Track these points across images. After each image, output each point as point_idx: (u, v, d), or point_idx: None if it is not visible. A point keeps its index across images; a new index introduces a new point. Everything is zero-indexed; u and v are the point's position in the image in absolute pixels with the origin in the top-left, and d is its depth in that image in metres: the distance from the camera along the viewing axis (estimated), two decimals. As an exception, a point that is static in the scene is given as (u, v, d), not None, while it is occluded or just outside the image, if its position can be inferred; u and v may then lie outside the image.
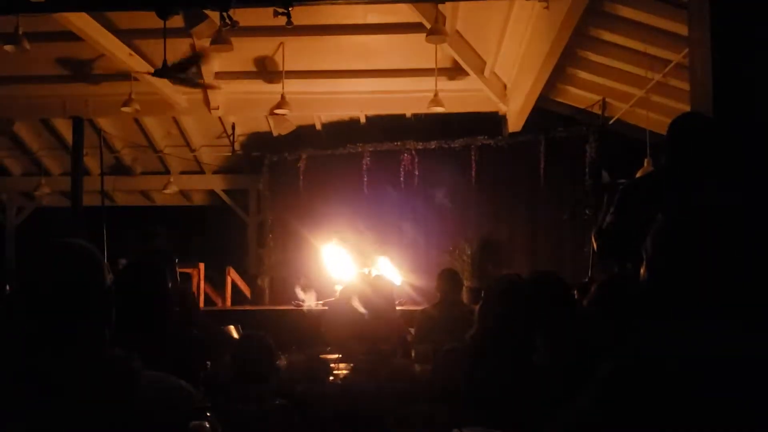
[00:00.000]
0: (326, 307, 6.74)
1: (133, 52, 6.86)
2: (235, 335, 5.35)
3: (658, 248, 1.36)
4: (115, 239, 7.03)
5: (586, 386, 1.32)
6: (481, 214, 8.22)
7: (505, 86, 7.50)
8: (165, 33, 5.37)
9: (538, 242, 7.98)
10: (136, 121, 9.23)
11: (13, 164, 10.67)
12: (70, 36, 6.31)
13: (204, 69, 6.95)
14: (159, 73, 5.78)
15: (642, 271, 1.40)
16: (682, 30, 4.14)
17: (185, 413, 1.35)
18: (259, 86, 7.72)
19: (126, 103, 7.27)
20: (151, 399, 1.32)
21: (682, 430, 1.20)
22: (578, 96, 7.22)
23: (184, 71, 5.72)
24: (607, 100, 7.00)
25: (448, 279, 4.86)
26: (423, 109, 7.33)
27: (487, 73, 7.13)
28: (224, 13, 5.04)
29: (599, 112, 7.14)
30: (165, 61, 5.70)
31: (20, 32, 5.66)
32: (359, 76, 7.66)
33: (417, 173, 8.48)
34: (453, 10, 5.86)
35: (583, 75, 6.75)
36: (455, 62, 7.10)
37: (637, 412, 1.23)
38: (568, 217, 7.38)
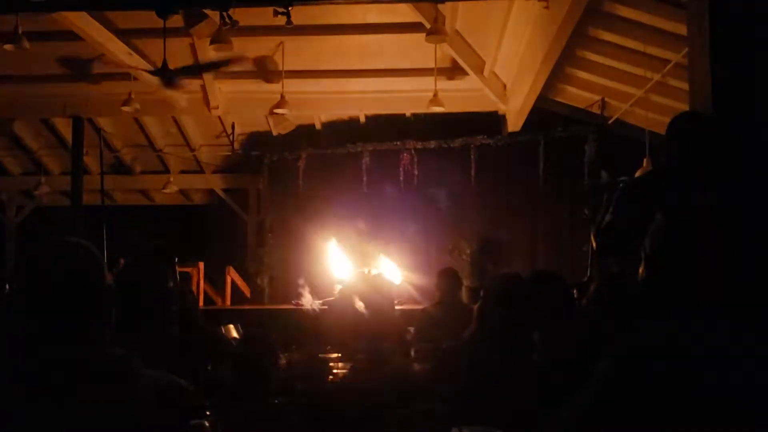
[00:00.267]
0: (326, 307, 6.74)
1: (132, 52, 6.86)
2: (235, 334, 5.36)
3: (656, 248, 1.36)
4: (115, 238, 7.04)
5: (585, 385, 1.32)
6: (481, 214, 8.21)
7: (504, 86, 7.50)
8: (165, 32, 5.37)
9: (538, 241, 7.98)
10: (136, 120, 9.23)
11: (13, 163, 10.67)
12: (70, 35, 6.31)
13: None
14: (158, 72, 5.79)
15: (640, 270, 1.40)
16: (682, 30, 4.14)
17: (185, 412, 1.35)
18: (258, 86, 7.72)
19: (126, 103, 7.27)
20: (151, 398, 1.32)
21: (680, 427, 1.21)
22: (577, 96, 7.22)
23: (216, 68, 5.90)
24: (606, 99, 7.00)
25: (448, 278, 4.86)
26: (423, 108, 7.33)
27: (486, 72, 7.13)
28: (224, 13, 5.04)
29: (598, 112, 7.14)
30: (165, 60, 5.71)
31: (20, 31, 5.66)
32: (359, 75, 7.66)
33: (416, 173, 8.47)
34: (452, 9, 5.86)
35: (583, 75, 6.75)
36: (455, 62, 7.10)
37: (635, 410, 1.23)
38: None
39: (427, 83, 7.06)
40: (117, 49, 6.72)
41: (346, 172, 8.69)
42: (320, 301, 7.05)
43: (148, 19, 5.10)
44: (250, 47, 6.95)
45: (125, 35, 6.67)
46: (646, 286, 1.38)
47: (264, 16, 5.34)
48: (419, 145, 8.50)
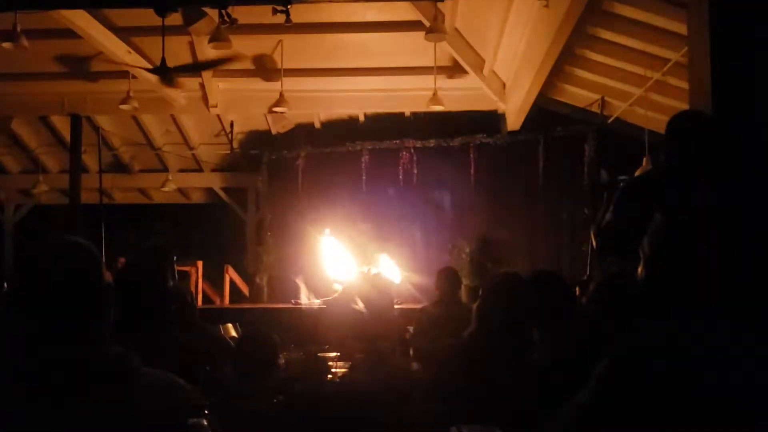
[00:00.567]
0: (325, 306, 6.74)
1: (131, 50, 6.85)
2: (234, 334, 5.36)
3: (655, 247, 1.36)
4: (114, 237, 7.03)
5: (585, 384, 1.32)
6: (480, 213, 8.22)
7: (504, 85, 7.50)
8: (164, 30, 5.36)
9: (537, 241, 7.99)
10: (135, 118, 9.22)
11: (11, 162, 10.66)
12: (69, 33, 6.30)
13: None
14: (157, 71, 5.78)
15: (639, 270, 1.40)
16: (682, 29, 4.14)
17: (183, 411, 1.35)
18: (257, 84, 7.71)
19: (124, 101, 7.26)
20: (149, 397, 1.32)
21: (680, 427, 1.21)
22: (577, 95, 7.22)
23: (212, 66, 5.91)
24: (606, 98, 7.00)
25: (447, 278, 4.86)
26: (422, 107, 7.33)
27: (486, 71, 7.13)
28: (223, 11, 5.03)
29: (598, 111, 7.14)
30: (163, 58, 5.70)
31: (18, 29, 5.65)
32: (358, 74, 7.65)
33: (416, 172, 8.48)
34: (452, 8, 5.85)
35: (582, 74, 6.75)
36: (454, 60, 7.10)
37: (635, 409, 1.23)
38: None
39: (426, 82, 7.06)
40: (116, 47, 6.71)
41: (345, 171, 8.69)
42: (319, 300, 7.07)
43: (147, 17, 5.09)
44: (249, 45, 6.95)
45: (124, 33, 6.66)
46: (646, 286, 1.38)
47: (263, 14, 5.33)
48: (419, 144, 8.50)
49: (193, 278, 8.56)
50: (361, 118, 8.99)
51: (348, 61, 7.46)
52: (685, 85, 4.25)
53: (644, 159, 5.57)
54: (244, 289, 9.33)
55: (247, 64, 7.36)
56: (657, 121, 5.92)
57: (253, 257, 9.66)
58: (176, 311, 2.77)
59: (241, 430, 2.43)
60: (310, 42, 7.03)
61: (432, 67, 6.86)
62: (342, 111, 8.98)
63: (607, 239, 2.72)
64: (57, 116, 9.12)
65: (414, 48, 6.83)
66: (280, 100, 7.21)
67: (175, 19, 5.22)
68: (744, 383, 1.21)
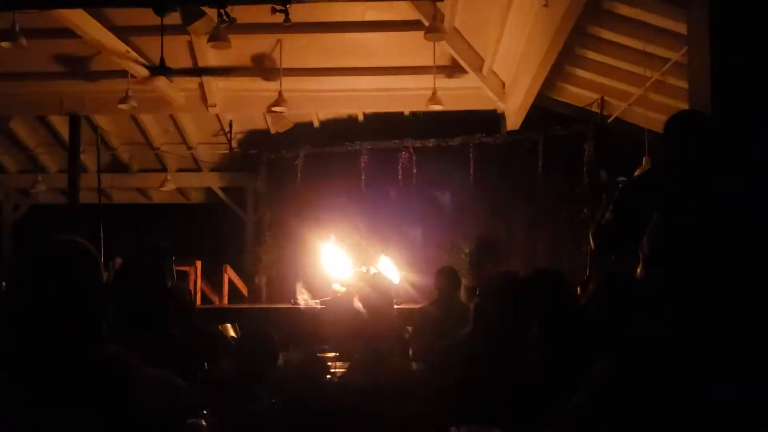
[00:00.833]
0: (324, 306, 6.74)
1: (130, 49, 6.85)
2: (233, 334, 5.35)
3: (654, 247, 1.36)
4: (112, 237, 7.02)
5: (585, 383, 1.32)
6: (479, 212, 8.21)
7: (503, 84, 7.50)
8: (162, 30, 5.36)
9: (536, 240, 7.98)
10: (133, 118, 9.21)
11: (10, 161, 10.65)
12: (67, 33, 6.30)
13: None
14: (156, 69, 5.78)
15: (639, 269, 1.40)
16: (681, 28, 4.14)
17: (182, 411, 1.35)
18: (256, 83, 7.71)
19: (123, 101, 7.25)
20: (148, 397, 1.32)
21: (679, 425, 1.21)
22: (577, 94, 7.22)
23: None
24: (605, 98, 7.00)
25: (447, 277, 4.85)
26: (421, 106, 7.32)
27: (485, 71, 7.12)
28: (222, 10, 5.03)
29: (598, 111, 7.13)
30: (162, 58, 5.70)
31: (17, 29, 5.64)
32: (357, 73, 7.65)
33: (415, 171, 8.47)
34: (451, 7, 5.85)
35: (582, 73, 6.75)
36: (453, 60, 7.09)
37: (634, 408, 1.23)
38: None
39: (425, 81, 7.05)
40: (114, 47, 6.70)
41: (344, 170, 8.67)
42: (318, 300, 7.07)
43: (146, 16, 5.09)
44: (248, 45, 6.95)
45: (123, 32, 6.65)
46: (644, 286, 1.38)
47: (262, 13, 5.33)
48: (418, 144, 8.49)
49: (192, 278, 8.54)
50: (361, 117, 8.98)
51: (347, 61, 7.46)
52: (684, 84, 4.25)
53: (644, 159, 5.57)
54: (243, 289, 9.32)
55: (246, 63, 7.36)
56: (657, 121, 5.92)
57: (252, 257, 9.66)
58: (175, 311, 2.76)
59: (241, 430, 2.42)
60: (309, 41, 7.03)
61: (431, 67, 6.85)
62: (341, 110, 8.98)
63: (606, 239, 2.72)
64: (56, 116, 9.12)
65: (413, 47, 6.83)
66: (279, 100, 7.21)
67: (174, 18, 5.21)
68: (743, 382, 1.21)
